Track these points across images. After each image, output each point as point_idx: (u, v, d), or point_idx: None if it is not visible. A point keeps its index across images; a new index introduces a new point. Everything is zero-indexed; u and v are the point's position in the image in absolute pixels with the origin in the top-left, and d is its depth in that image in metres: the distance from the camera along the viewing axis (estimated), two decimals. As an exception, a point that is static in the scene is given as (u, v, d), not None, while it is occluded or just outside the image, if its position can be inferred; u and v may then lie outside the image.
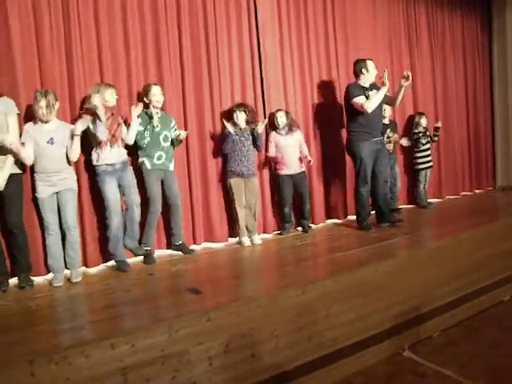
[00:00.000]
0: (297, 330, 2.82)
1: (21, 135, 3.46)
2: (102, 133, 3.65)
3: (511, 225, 4.74)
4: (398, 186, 5.86)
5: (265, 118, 4.93)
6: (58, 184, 3.53)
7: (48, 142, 3.48)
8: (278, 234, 4.96)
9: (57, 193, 3.54)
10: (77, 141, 3.53)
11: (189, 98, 4.49)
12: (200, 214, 4.57)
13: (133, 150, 4.05)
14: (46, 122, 3.49)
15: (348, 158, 5.25)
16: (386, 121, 5.51)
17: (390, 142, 5.57)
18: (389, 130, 5.56)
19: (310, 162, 4.82)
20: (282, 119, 4.75)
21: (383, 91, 4.60)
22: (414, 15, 6.49)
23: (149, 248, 4.07)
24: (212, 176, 4.62)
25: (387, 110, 5.44)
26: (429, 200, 6.27)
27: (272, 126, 4.85)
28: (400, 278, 3.47)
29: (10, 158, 3.35)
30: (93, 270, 3.88)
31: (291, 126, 4.81)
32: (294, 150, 4.78)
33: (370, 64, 4.72)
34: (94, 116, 3.62)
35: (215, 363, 2.50)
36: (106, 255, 4.02)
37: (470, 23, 7.33)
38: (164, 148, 4.10)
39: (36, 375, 2.06)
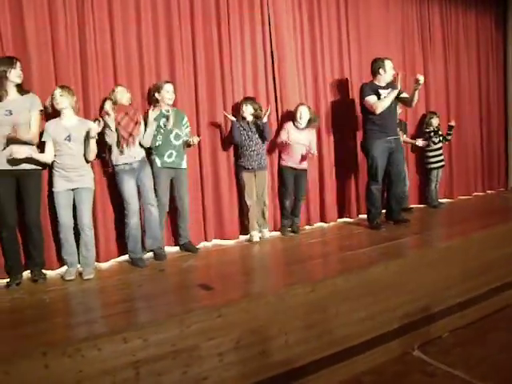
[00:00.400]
0: (306, 328, 2.83)
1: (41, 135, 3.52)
2: (109, 138, 3.72)
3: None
4: (407, 184, 5.83)
5: (277, 116, 4.94)
6: (75, 180, 3.56)
7: (66, 139, 3.52)
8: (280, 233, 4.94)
9: (73, 190, 3.57)
10: (92, 142, 3.56)
11: (201, 97, 4.51)
12: (211, 211, 4.59)
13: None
14: (60, 111, 3.53)
15: (360, 157, 5.25)
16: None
17: None
18: (398, 130, 5.53)
19: (313, 155, 4.75)
20: (304, 115, 4.73)
21: (394, 94, 4.61)
22: (427, 14, 6.44)
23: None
24: (223, 173, 4.64)
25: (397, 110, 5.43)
26: (440, 200, 6.24)
27: (292, 117, 4.83)
28: (410, 278, 3.46)
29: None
30: (104, 265, 3.92)
31: (310, 123, 4.80)
32: (301, 146, 4.76)
33: (387, 64, 4.73)
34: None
35: (225, 359, 2.52)
36: (117, 251, 4.07)
37: (484, 22, 7.27)
38: (175, 146, 4.11)
39: (50, 367, 2.10)
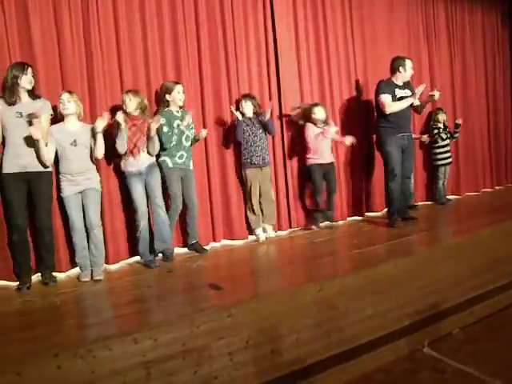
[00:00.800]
0: (316, 326, 2.84)
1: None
2: (119, 145, 3.75)
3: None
4: (413, 182, 5.79)
5: (280, 113, 4.96)
6: (82, 183, 3.58)
7: (71, 144, 3.55)
8: (307, 229, 4.98)
9: (81, 192, 3.60)
10: (99, 138, 3.56)
11: (207, 95, 4.53)
12: (219, 212, 4.61)
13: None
14: (65, 116, 3.56)
15: (369, 155, 5.26)
16: None
17: None
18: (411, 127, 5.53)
19: (346, 143, 4.93)
20: (320, 114, 4.78)
21: (408, 102, 4.67)
22: (432, 13, 6.42)
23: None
24: (231, 172, 4.67)
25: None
26: (447, 197, 6.21)
27: (308, 118, 4.85)
28: (419, 275, 3.46)
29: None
30: (113, 267, 3.95)
31: (327, 120, 4.85)
32: (326, 142, 4.83)
33: (408, 63, 4.76)
34: (118, 127, 3.70)
35: (236, 358, 2.53)
36: (126, 252, 4.09)
37: (490, 20, 7.24)
38: (185, 147, 4.14)
39: (62, 368, 2.12)
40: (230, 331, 2.55)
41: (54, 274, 3.64)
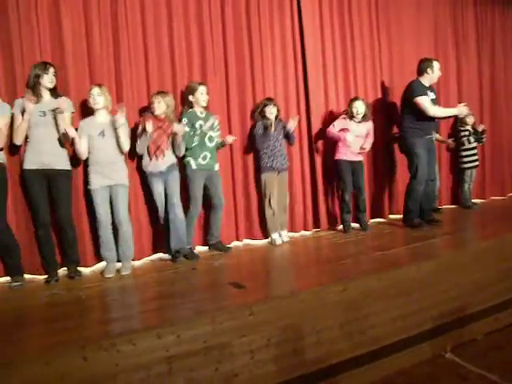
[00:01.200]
0: (338, 327, 2.83)
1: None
2: (140, 147, 3.80)
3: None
4: (437, 185, 5.72)
5: (307, 116, 4.96)
6: (110, 176, 3.64)
7: (99, 135, 3.62)
8: (331, 229, 4.96)
9: (109, 187, 3.66)
10: (120, 132, 3.60)
11: (232, 98, 4.57)
12: (242, 211, 4.64)
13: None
14: (95, 110, 3.64)
15: (391, 156, 5.19)
16: None
17: None
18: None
19: (364, 149, 4.84)
20: (360, 109, 4.75)
21: (453, 112, 4.76)
22: (461, 15, 6.32)
23: (189, 246, 4.13)
24: (253, 174, 4.68)
25: None
26: (473, 200, 6.11)
27: (348, 113, 4.82)
28: (443, 279, 3.41)
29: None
30: (137, 263, 4.01)
31: (366, 116, 4.82)
32: (360, 139, 4.80)
33: (436, 65, 4.73)
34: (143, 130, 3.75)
35: (257, 356, 2.55)
36: (150, 249, 4.15)
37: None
38: (209, 148, 4.16)
39: (88, 359, 2.17)
40: (251, 329, 2.56)
41: (78, 268, 3.72)
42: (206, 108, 4.21)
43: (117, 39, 3.98)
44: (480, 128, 6.02)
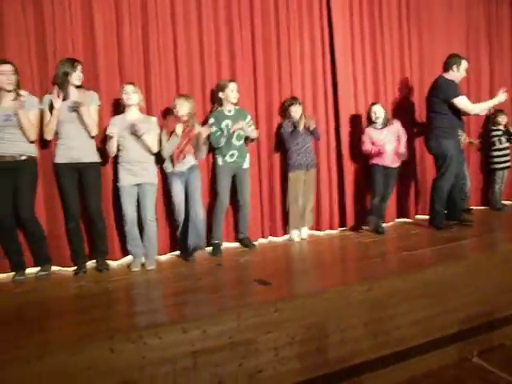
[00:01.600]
0: (363, 326, 2.81)
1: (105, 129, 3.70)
2: (166, 150, 3.80)
3: None
4: (468, 185, 5.60)
5: (336, 118, 4.94)
6: (139, 174, 3.68)
7: (130, 134, 3.65)
8: (357, 229, 4.90)
9: (138, 185, 3.70)
10: (145, 139, 3.65)
11: (260, 96, 4.57)
12: (267, 209, 4.65)
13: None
14: (127, 107, 3.69)
15: (418, 156, 5.11)
16: None
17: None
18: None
19: (401, 155, 4.73)
20: (379, 113, 4.68)
21: (493, 103, 4.65)
22: (495, 14, 6.17)
23: (217, 241, 4.16)
24: (279, 172, 4.68)
25: None
26: (503, 202, 5.97)
27: (367, 119, 4.78)
28: (471, 281, 3.35)
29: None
30: (163, 258, 4.05)
31: (388, 120, 4.73)
32: (390, 143, 4.67)
33: (464, 64, 4.60)
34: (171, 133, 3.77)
35: (281, 353, 2.55)
36: (175, 244, 4.18)
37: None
38: (236, 146, 4.16)
39: (115, 351, 2.21)
40: (276, 326, 2.56)
41: (107, 261, 3.78)
42: (236, 105, 4.21)
43: (146, 35, 4.01)
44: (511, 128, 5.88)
